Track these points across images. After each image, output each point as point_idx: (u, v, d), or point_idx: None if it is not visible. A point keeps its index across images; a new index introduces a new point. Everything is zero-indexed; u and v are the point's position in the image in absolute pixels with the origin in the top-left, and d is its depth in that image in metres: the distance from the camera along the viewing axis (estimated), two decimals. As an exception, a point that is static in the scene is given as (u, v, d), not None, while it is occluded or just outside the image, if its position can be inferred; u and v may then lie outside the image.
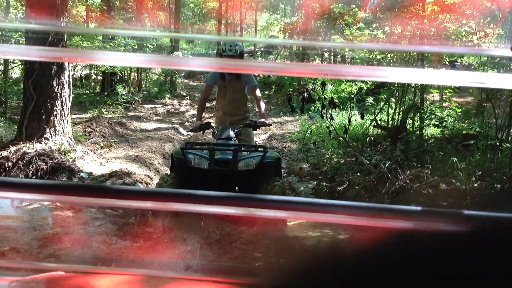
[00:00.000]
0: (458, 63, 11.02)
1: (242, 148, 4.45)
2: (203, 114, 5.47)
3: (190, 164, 4.27)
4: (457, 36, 9.41)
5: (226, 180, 4.33)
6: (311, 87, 14.10)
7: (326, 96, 6.81)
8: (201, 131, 4.99)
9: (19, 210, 4.12)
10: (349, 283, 0.39)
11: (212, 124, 4.98)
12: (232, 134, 4.56)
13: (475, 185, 5.06)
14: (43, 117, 6.77)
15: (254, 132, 5.34)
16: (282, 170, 6.43)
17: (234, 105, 5.16)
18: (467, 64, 10.44)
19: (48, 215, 4.33)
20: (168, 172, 5.06)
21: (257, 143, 5.40)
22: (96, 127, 9.17)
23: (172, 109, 13.81)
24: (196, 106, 6.01)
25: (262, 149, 4.50)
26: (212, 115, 9.67)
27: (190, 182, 4.37)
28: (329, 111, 6.58)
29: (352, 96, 9.85)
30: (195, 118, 5.66)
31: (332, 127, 6.33)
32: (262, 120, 4.95)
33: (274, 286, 0.45)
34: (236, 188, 4.58)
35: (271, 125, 5.53)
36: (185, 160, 4.29)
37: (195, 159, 4.30)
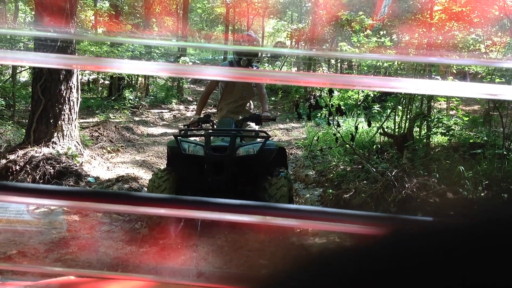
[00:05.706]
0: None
1: (241, 136, 4.20)
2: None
3: (184, 152, 3.99)
4: (465, 45, 9.40)
5: (224, 168, 3.99)
6: (318, 94, 14.10)
7: (333, 103, 6.82)
8: (200, 125, 4.64)
9: (34, 216, 4.15)
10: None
11: (211, 119, 4.71)
12: (233, 125, 4.32)
13: (482, 194, 5.04)
14: (51, 121, 6.81)
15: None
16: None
17: (241, 102, 4.96)
18: (474, 72, 10.41)
19: (62, 221, 4.35)
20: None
21: None
22: (103, 131, 9.23)
23: (179, 114, 13.86)
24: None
25: (263, 135, 4.24)
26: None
27: (184, 173, 4.14)
28: (336, 118, 6.58)
29: (359, 103, 9.85)
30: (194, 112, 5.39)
31: (339, 134, 6.33)
32: (266, 113, 4.75)
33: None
34: (240, 189, 4.33)
35: (275, 119, 5.29)
36: (179, 149, 4.01)
37: (190, 146, 4.03)
